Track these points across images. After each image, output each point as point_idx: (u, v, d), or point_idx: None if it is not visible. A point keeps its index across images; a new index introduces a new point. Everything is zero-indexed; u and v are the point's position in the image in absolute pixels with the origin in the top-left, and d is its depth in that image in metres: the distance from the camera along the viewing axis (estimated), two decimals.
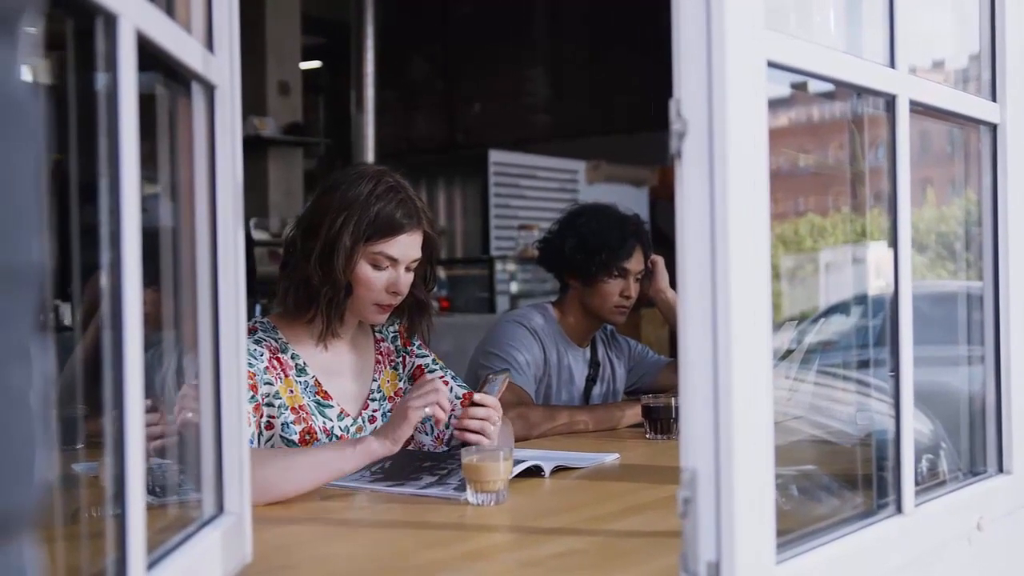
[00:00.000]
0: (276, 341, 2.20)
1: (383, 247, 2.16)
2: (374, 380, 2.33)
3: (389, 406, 2.32)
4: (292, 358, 2.20)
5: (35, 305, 0.58)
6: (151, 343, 1.08)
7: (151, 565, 1.07)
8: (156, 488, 1.33)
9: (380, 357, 2.36)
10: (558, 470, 2.14)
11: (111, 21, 0.97)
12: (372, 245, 2.16)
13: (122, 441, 0.99)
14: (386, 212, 2.15)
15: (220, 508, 1.35)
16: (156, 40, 1.09)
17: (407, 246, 2.19)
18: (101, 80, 1.00)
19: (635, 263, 2.97)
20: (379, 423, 2.27)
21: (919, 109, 1.55)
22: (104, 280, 1.00)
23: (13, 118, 0.54)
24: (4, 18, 0.55)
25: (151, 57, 1.10)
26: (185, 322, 1.36)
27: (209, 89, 1.32)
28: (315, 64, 10.41)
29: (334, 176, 2.25)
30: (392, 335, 2.40)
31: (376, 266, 2.17)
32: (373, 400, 2.31)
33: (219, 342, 1.35)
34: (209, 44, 1.32)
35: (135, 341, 1.00)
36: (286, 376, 2.17)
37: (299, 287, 2.18)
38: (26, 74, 0.57)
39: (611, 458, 2.31)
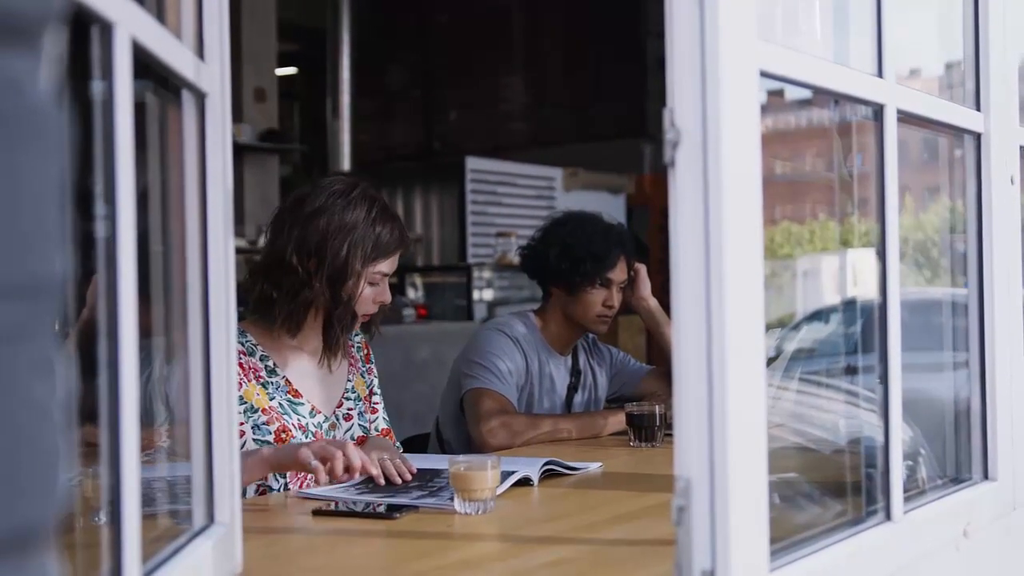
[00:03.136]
0: (243, 344, 2.24)
1: (381, 267, 2.29)
2: (348, 380, 2.41)
3: (363, 406, 2.42)
4: (261, 360, 2.26)
5: (57, 317, 0.57)
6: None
7: None
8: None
9: (352, 360, 2.45)
10: (546, 476, 2.14)
11: (107, 29, 0.97)
12: (373, 266, 2.27)
13: (117, 452, 0.98)
14: (386, 235, 2.27)
15: (211, 519, 1.34)
16: (150, 48, 1.08)
17: (396, 261, 2.33)
18: (96, 87, 0.99)
19: (619, 273, 2.97)
20: (355, 421, 2.38)
21: (905, 118, 1.57)
22: (99, 288, 0.99)
23: (38, 130, 0.54)
24: (27, 29, 0.55)
25: (142, 65, 1.09)
26: (173, 332, 1.36)
27: (200, 97, 1.31)
28: (291, 70, 10.38)
29: (317, 197, 2.27)
30: (357, 345, 2.49)
31: (372, 283, 2.29)
32: (348, 399, 2.39)
33: (209, 351, 1.34)
34: (200, 52, 1.32)
35: (130, 351, 0.99)
36: (249, 380, 2.22)
37: (303, 309, 2.25)
38: (49, 86, 0.57)
39: (595, 467, 2.32)
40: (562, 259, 2.94)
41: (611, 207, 7.63)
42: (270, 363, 2.26)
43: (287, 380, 2.27)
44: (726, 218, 1.14)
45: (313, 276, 2.21)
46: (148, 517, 1.33)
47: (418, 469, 2.22)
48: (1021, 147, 1.88)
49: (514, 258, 7.22)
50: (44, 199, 0.54)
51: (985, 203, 1.79)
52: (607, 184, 8.39)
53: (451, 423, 2.95)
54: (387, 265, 2.29)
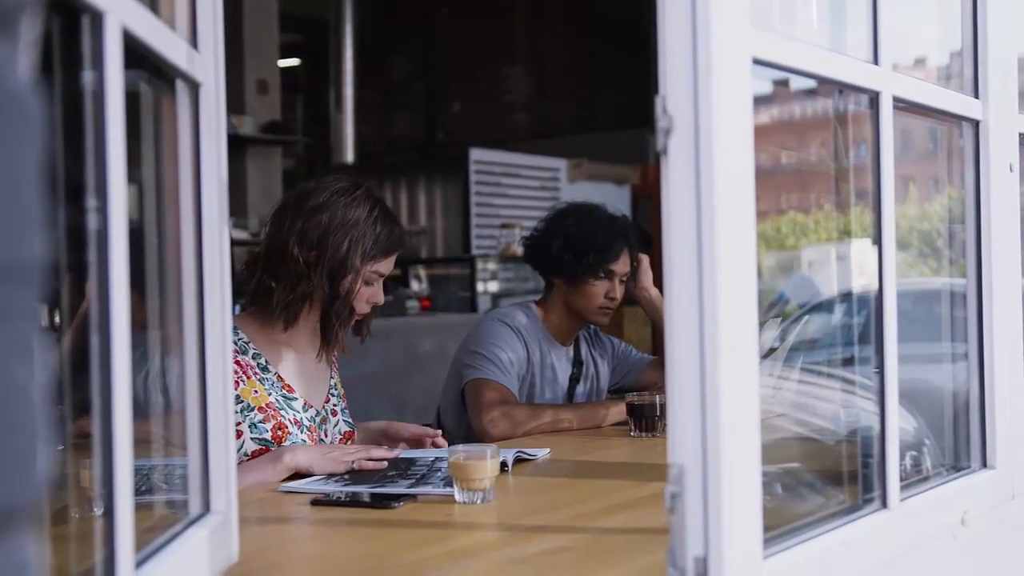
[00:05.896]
0: (235, 343, 2.25)
1: (378, 266, 2.30)
2: (331, 377, 2.45)
3: (344, 404, 2.46)
4: (253, 357, 2.28)
5: (37, 301, 0.58)
6: (134, 345, 1.07)
7: (139, 564, 1.07)
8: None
9: (334, 359, 2.48)
10: (517, 462, 2.19)
11: (97, 19, 0.97)
12: (371, 265, 2.28)
13: (110, 442, 0.98)
14: (386, 235, 2.29)
15: (207, 507, 1.34)
16: (142, 37, 1.08)
17: (392, 262, 2.35)
18: (86, 78, 0.99)
19: (621, 265, 2.97)
20: (340, 416, 2.42)
21: (902, 105, 1.56)
22: (91, 281, 0.99)
23: (16, 115, 0.54)
24: (3, 16, 0.55)
25: (135, 55, 1.09)
26: (169, 324, 1.36)
27: (194, 87, 1.31)
28: (293, 62, 10.38)
29: (320, 192, 2.28)
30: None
31: (368, 283, 2.30)
32: (333, 395, 2.43)
33: (204, 342, 1.34)
34: (194, 42, 1.32)
35: (122, 342, 0.99)
36: (248, 377, 2.23)
37: (300, 301, 2.26)
38: (26, 71, 0.57)
39: (542, 453, 2.34)
40: (565, 250, 2.94)
41: (616, 198, 7.62)
42: (262, 360, 2.28)
43: (279, 376, 2.29)
44: (718, 205, 1.14)
45: (313, 268, 2.23)
46: (144, 506, 1.34)
47: (395, 460, 2.21)
48: (1020, 135, 1.88)
49: (518, 249, 7.21)
50: (22, 184, 0.55)
51: (984, 191, 1.79)
52: (611, 175, 8.37)
53: (452, 413, 2.95)
54: (384, 265, 2.31)
